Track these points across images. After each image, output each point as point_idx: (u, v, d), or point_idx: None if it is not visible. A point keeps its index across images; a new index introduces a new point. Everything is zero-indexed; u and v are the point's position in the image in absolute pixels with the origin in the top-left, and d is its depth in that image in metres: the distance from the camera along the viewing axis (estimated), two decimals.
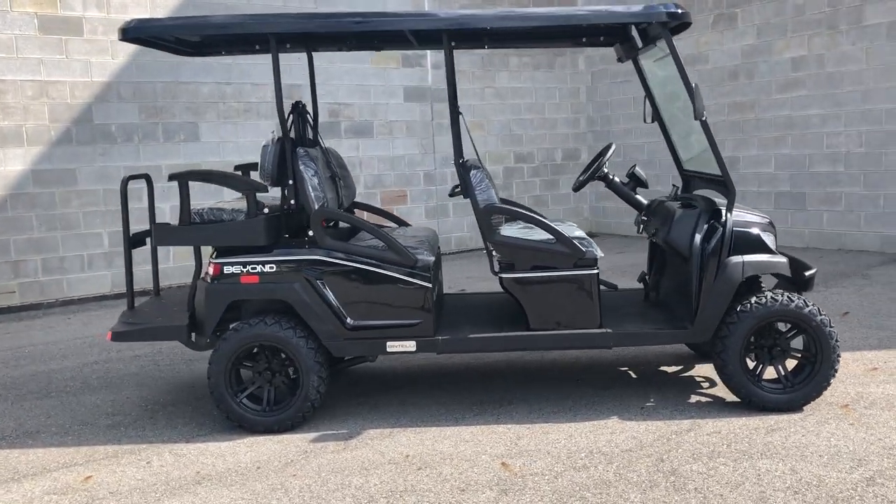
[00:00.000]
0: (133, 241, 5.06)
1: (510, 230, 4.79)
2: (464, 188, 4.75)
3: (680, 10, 4.46)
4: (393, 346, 4.59)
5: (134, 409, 5.16)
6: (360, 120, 10.70)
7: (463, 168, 4.75)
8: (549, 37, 5.25)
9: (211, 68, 9.58)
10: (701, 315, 4.51)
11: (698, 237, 4.57)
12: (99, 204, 9.03)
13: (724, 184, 4.57)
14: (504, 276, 4.62)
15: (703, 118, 4.39)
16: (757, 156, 10.60)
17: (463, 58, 11.59)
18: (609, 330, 4.57)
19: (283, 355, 4.62)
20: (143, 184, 9.03)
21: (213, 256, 4.68)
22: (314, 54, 10.06)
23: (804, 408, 4.57)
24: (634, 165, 5.36)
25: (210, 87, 9.61)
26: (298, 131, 5.17)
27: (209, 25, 4.50)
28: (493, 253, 4.68)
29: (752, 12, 10.50)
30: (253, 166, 5.77)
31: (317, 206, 4.65)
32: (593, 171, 5.21)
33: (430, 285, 4.56)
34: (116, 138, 9.10)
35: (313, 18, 4.53)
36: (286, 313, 4.68)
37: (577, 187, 5.32)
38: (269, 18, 4.52)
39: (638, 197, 5.29)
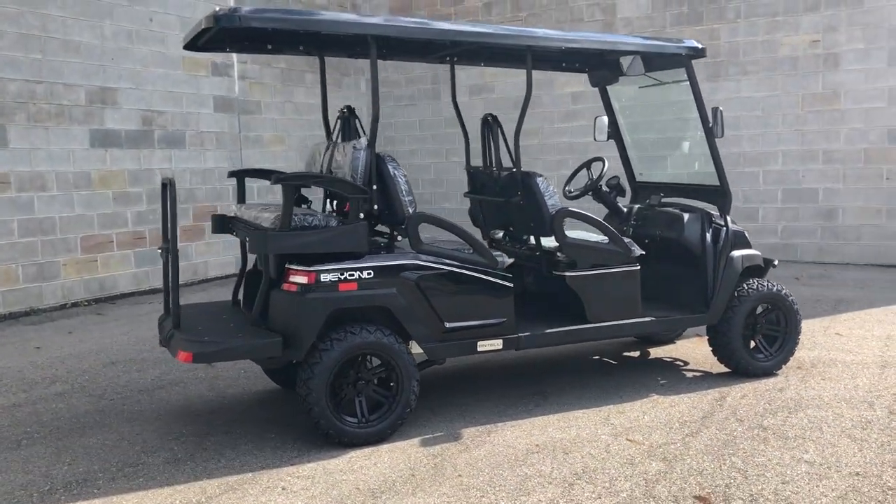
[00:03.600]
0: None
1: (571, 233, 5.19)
2: (528, 195, 5.07)
3: (701, 46, 5.36)
4: (483, 345, 4.75)
5: (171, 445, 4.56)
6: (173, 129, 9.96)
7: (528, 176, 5.08)
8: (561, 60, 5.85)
9: (18, 63, 8.27)
10: (714, 301, 5.39)
11: (708, 237, 5.46)
12: None
13: (722, 192, 5.52)
14: (568, 274, 5.04)
15: (718, 137, 5.31)
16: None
17: (265, 70, 11.35)
18: (653, 318, 5.24)
19: (370, 364, 4.52)
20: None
21: (294, 265, 4.41)
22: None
23: (777, 372, 5.67)
24: (617, 177, 6.12)
25: (18, 85, 8.28)
26: (346, 135, 5.04)
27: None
28: (558, 254, 5.09)
29: None
30: (253, 172, 5.39)
31: (411, 210, 4.64)
32: (589, 187, 5.86)
33: (511, 285, 4.81)
34: None
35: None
36: (372, 321, 4.56)
37: (574, 198, 5.91)
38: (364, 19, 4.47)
39: (620, 205, 6.04)
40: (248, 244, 4.33)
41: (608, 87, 6.37)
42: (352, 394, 4.47)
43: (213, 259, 10.55)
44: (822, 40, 10.09)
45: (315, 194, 5.99)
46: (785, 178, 10.47)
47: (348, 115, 5.03)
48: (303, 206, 5.34)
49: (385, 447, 4.44)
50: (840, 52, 10.01)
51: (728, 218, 5.55)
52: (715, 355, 5.66)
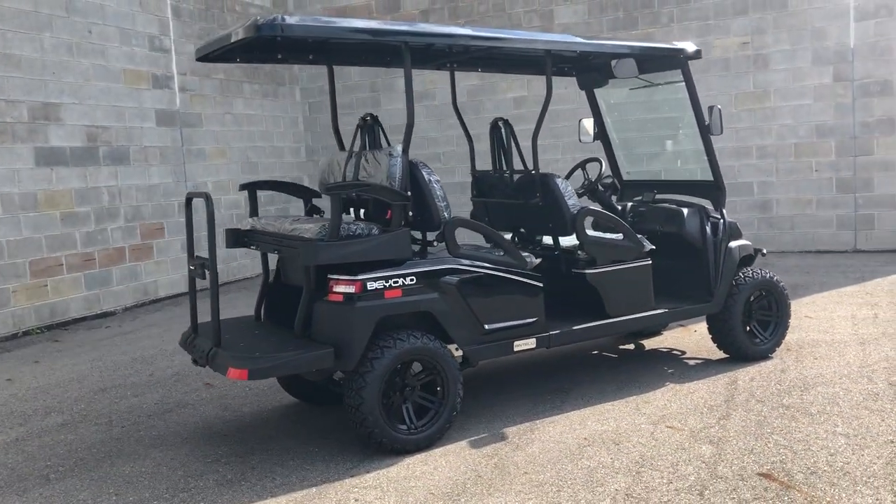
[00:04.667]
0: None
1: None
2: (548, 196, 5.17)
3: (697, 48, 5.62)
4: (518, 344, 4.82)
5: (215, 467, 4.43)
6: (118, 145, 9.56)
7: (547, 177, 5.18)
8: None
9: None
10: (717, 290, 5.65)
11: (708, 230, 5.71)
12: None
13: (716, 187, 5.80)
14: (589, 271, 5.18)
15: (713, 134, 5.58)
16: None
17: (205, 82, 11.06)
18: (666, 310, 5.45)
19: (413, 369, 4.52)
20: None
21: (335, 274, 4.36)
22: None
23: (771, 355, 5.98)
24: (611, 176, 6.30)
25: None
26: (366, 143, 5.01)
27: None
28: (579, 252, 5.22)
29: None
30: (260, 184, 5.27)
31: (446, 215, 4.66)
32: (588, 187, 6.04)
33: (541, 285, 4.91)
34: None
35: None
36: (412, 326, 4.56)
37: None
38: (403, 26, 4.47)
39: (614, 203, 6.23)
40: (300, 255, 4.24)
41: (597, 92, 6.56)
42: (399, 401, 4.46)
43: (163, 278, 10.18)
44: (752, 42, 10.69)
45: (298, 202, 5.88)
46: (722, 173, 10.97)
47: (372, 123, 5.01)
48: (314, 216, 5.28)
49: (437, 452, 4.45)
50: (768, 52, 10.63)
51: (724, 211, 5.83)
52: (715, 342, 5.92)
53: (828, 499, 3.62)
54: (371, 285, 4.34)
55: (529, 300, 4.86)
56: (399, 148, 4.58)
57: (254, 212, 5.22)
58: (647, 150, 7.00)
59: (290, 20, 4.08)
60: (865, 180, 10.40)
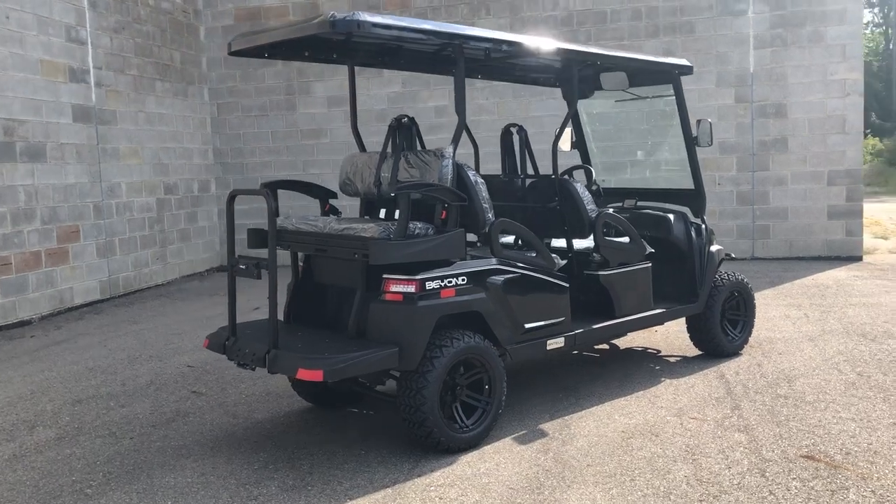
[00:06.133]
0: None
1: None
2: (568, 200, 5.35)
3: (689, 63, 6.00)
4: (551, 343, 4.97)
5: (268, 474, 4.28)
6: (35, 141, 8.87)
7: (566, 182, 5.36)
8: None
9: None
10: (701, 291, 6.05)
11: (693, 234, 6.10)
12: None
13: (697, 195, 6.20)
14: (601, 273, 5.41)
15: (701, 145, 5.98)
16: None
17: (120, 77, 10.45)
18: (663, 310, 5.77)
19: (461, 369, 4.57)
20: None
21: (390, 275, 4.35)
22: None
23: (741, 352, 6.47)
24: (597, 184, 6.57)
25: None
26: (403, 143, 4.99)
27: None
28: (594, 255, 5.43)
29: None
30: (281, 184, 5.12)
31: (490, 216, 4.73)
32: None
33: (567, 285, 5.08)
34: None
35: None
36: (458, 326, 4.61)
37: None
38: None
39: None
40: (370, 254, 4.17)
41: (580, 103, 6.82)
42: (450, 400, 4.49)
43: (79, 285, 9.51)
44: None
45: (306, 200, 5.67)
46: (633, 186, 11.65)
47: (410, 123, 5.00)
48: (331, 216, 5.21)
49: (487, 449, 4.51)
50: None
51: (704, 217, 6.25)
52: (693, 340, 6.32)
53: (876, 475, 4.01)
54: (430, 285, 4.35)
55: (559, 300, 5.03)
56: (450, 150, 4.62)
57: (276, 212, 5.07)
58: (625, 160, 7.35)
59: (365, 18, 4.04)
60: (762, 194, 11.37)
